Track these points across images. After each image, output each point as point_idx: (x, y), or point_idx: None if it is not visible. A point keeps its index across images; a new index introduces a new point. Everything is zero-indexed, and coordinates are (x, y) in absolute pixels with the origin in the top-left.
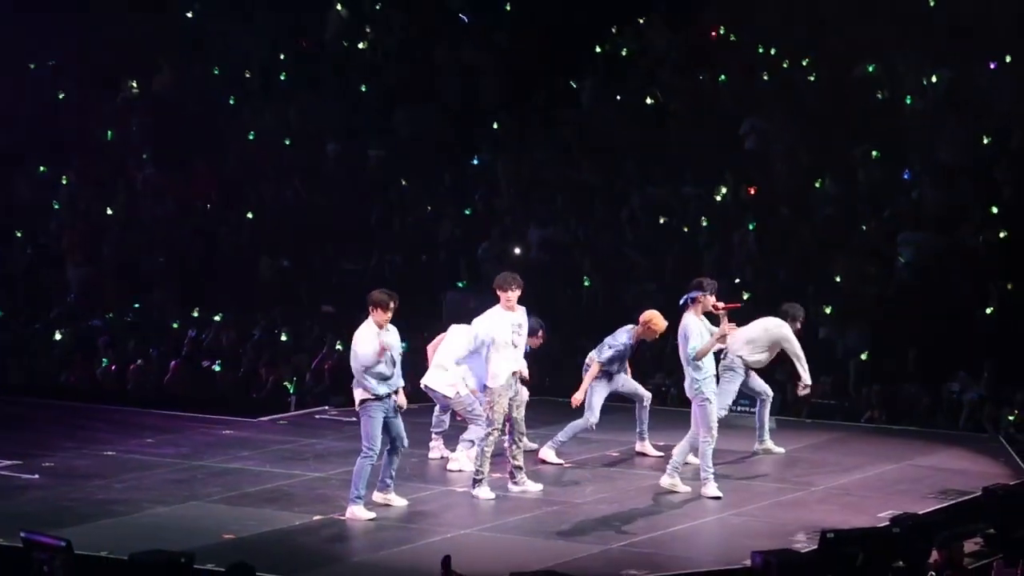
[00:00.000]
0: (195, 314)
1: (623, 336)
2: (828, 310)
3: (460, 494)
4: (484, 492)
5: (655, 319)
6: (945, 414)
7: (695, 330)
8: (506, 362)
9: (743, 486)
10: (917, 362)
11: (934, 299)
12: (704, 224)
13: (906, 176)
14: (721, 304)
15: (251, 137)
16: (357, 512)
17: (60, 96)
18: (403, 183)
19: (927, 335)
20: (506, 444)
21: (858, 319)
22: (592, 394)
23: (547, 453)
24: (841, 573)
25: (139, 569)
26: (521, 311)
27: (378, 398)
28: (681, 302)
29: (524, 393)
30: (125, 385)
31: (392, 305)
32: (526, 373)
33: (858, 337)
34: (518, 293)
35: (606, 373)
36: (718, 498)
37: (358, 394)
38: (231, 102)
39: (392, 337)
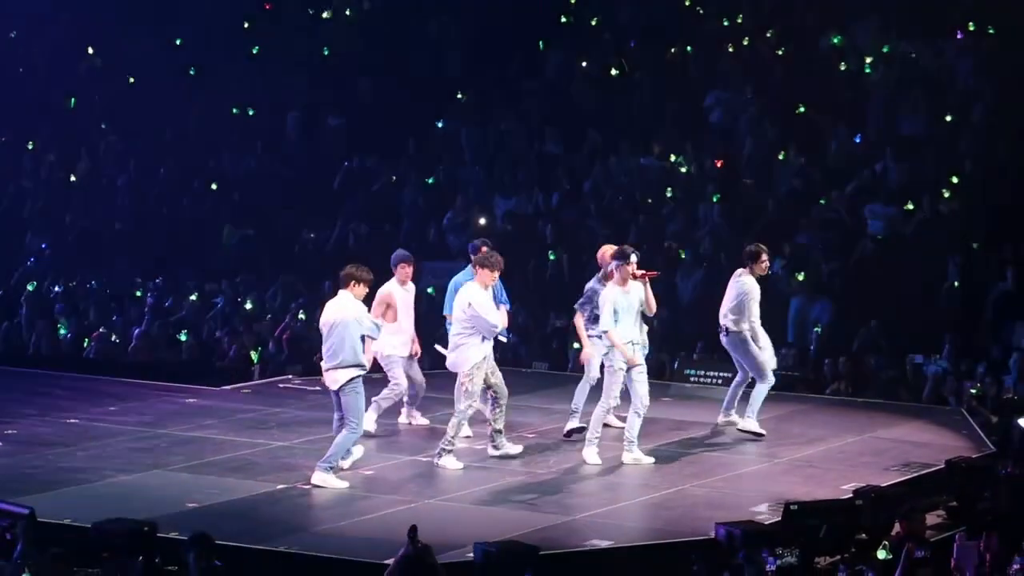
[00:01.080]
0: (157, 281)
1: (591, 283)
2: (792, 281)
3: (425, 463)
4: (451, 462)
5: (605, 252)
6: (908, 387)
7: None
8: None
9: (706, 457)
10: (881, 334)
11: (898, 271)
12: (668, 195)
13: (857, 140)
14: (640, 271)
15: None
16: (329, 480)
17: (24, 64)
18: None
19: (891, 307)
20: (488, 410)
21: (822, 291)
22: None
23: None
24: (804, 544)
25: (102, 537)
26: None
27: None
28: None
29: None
30: (85, 353)
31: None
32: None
33: (822, 308)
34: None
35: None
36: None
37: (345, 373)
38: (191, 72)
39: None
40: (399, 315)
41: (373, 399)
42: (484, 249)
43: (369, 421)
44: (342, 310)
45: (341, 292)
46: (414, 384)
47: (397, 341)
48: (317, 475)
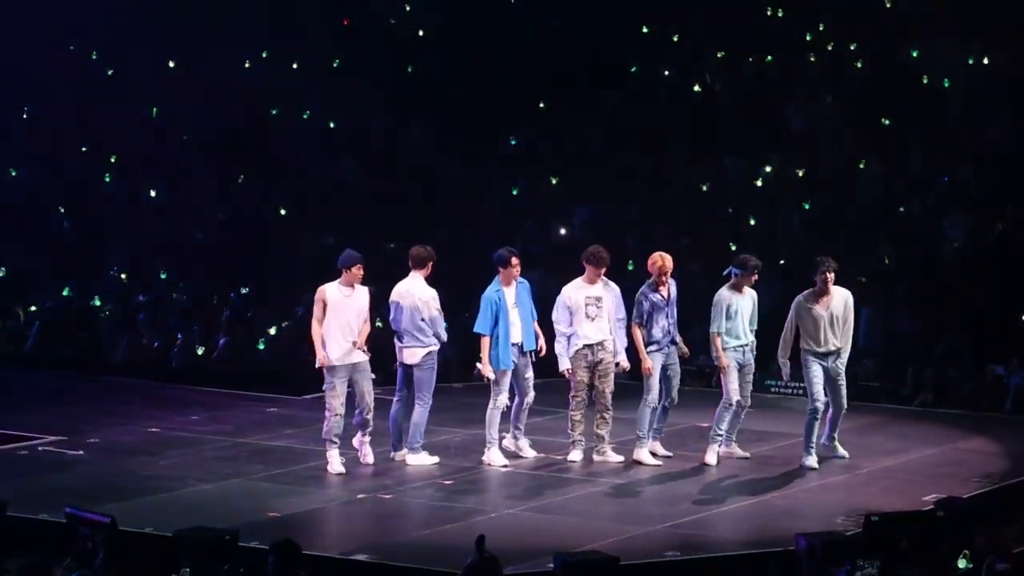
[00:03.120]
0: (244, 291)
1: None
2: (873, 291)
3: (505, 473)
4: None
5: (656, 259)
6: (990, 397)
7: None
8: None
9: (786, 468)
10: (962, 344)
11: (979, 281)
12: (749, 205)
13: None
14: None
15: (305, 117)
16: (422, 458)
17: (109, 73)
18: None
19: (972, 317)
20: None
21: (904, 301)
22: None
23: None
24: (885, 557)
25: (183, 546)
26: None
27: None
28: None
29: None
30: (170, 362)
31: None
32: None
33: (903, 319)
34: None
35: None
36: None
37: (421, 351)
38: (270, 83)
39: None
40: (332, 319)
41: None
42: (514, 260)
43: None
44: (422, 290)
45: (414, 273)
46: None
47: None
48: (409, 457)
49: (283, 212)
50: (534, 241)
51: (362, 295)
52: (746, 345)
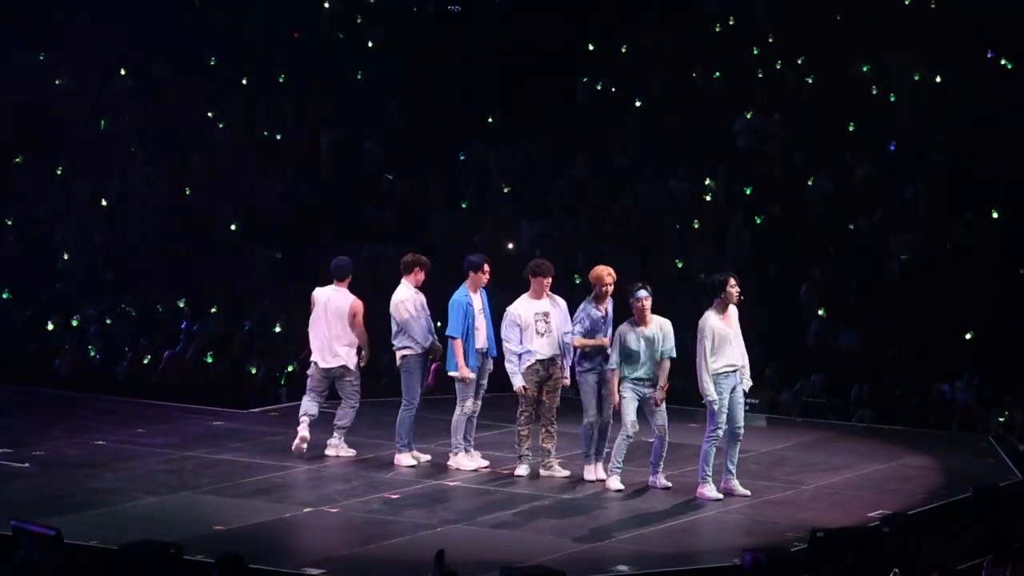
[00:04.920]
0: (181, 304)
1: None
2: (820, 310)
3: (451, 487)
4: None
5: (598, 272)
6: (935, 414)
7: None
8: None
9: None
10: (909, 362)
11: (925, 299)
12: (696, 221)
13: (891, 147)
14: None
15: (240, 125)
16: (403, 459)
17: (55, 83)
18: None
19: (917, 334)
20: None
21: (850, 318)
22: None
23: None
24: (831, 572)
25: (129, 559)
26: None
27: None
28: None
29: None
30: (116, 374)
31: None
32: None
33: (850, 336)
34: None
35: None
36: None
37: (398, 354)
38: (217, 92)
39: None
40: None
41: (335, 422)
42: (486, 267)
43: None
44: (396, 295)
45: (402, 279)
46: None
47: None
48: (396, 457)
49: (232, 228)
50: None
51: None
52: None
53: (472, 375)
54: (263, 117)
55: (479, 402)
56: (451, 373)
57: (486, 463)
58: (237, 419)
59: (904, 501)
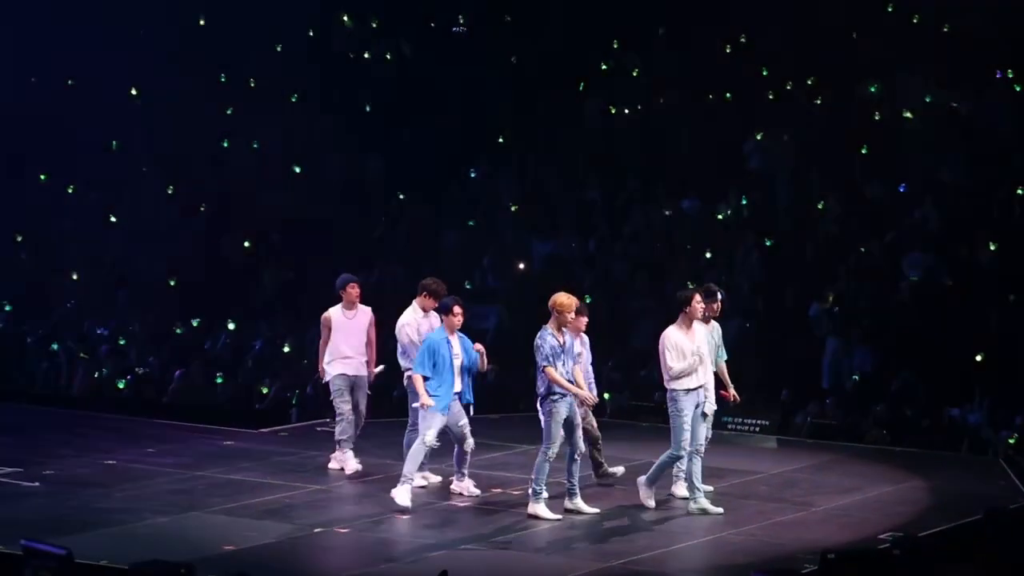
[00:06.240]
0: (192, 323)
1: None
2: (831, 332)
3: (461, 508)
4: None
5: (556, 299)
6: (946, 436)
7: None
8: None
9: (743, 505)
10: (918, 383)
11: (936, 320)
12: (706, 242)
13: (901, 189)
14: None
15: (255, 146)
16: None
17: (69, 100)
18: (401, 196)
19: (928, 357)
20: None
21: (861, 339)
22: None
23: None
24: None
25: None
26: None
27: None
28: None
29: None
30: (127, 394)
31: None
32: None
33: (861, 357)
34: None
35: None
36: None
37: (407, 371)
38: (228, 112)
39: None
40: (336, 337)
41: (337, 439)
42: (456, 309)
43: (349, 464)
44: (402, 318)
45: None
46: (355, 414)
47: (336, 363)
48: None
49: (246, 244)
50: (492, 276)
51: (364, 315)
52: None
53: (431, 401)
54: (276, 137)
55: (471, 439)
56: (414, 405)
57: (478, 492)
58: (247, 439)
59: (914, 523)
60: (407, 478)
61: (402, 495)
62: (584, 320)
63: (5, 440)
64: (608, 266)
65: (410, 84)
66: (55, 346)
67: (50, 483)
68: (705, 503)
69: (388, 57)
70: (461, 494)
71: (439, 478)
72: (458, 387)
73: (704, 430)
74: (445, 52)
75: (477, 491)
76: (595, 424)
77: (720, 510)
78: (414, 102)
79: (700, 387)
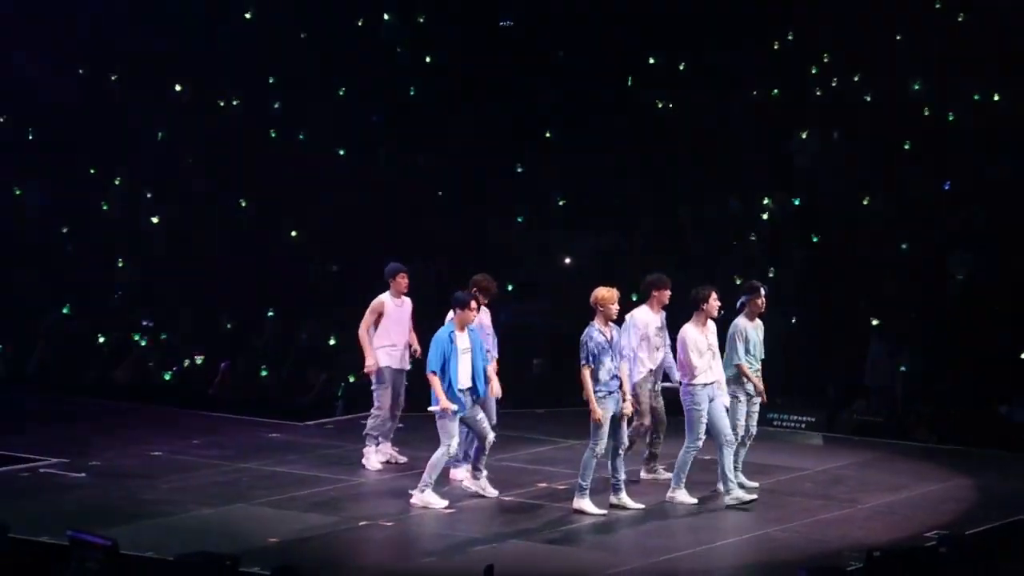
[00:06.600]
0: (237, 316)
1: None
2: (877, 329)
3: (506, 502)
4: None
5: (598, 294)
6: (993, 435)
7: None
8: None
9: (788, 502)
10: (967, 382)
11: (984, 318)
12: (752, 239)
13: (946, 187)
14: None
15: (301, 137)
16: (457, 473)
17: (113, 96)
18: (447, 190)
19: (976, 354)
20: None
21: (907, 337)
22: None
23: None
24: None
25: (184, 571)
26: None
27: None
28: (738, 305)
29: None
30: (173, 386)
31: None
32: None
33: (907, 355)
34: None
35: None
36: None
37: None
38: (276, 105)
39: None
40: (388, 327)
41: (366, 432)
42: (473, 304)
43: (371, 461)
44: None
45: None
46: (395, 408)
47: (384, 353)
48: (452, 472)
49: (294, 234)
50: (538, 269)
51: (408, 306)
52: (758, 372)
53: (453, 406)
54: (325, 128)
55: (491, 433)
56: (431, 408)
57: (495, 493)
58: (292, 431)
59: (961, 521)
60: (429, 484)
61: (432, 498)
62: (667, 293)
63: (51, 432)
64: (654, 263)
65: (458, 77)
66: (101, 338)
67: (96, 474)
68: (740, 493)
69: (436, 50)
70: (478, 493)
71: (496, 492)
72: (467, 383)
73: (729, 421)
74: (493, 46)
75: (495, 492)
76: (662, 407)
77: (754, 496)
78: (461, 95)
79: (714, 382)
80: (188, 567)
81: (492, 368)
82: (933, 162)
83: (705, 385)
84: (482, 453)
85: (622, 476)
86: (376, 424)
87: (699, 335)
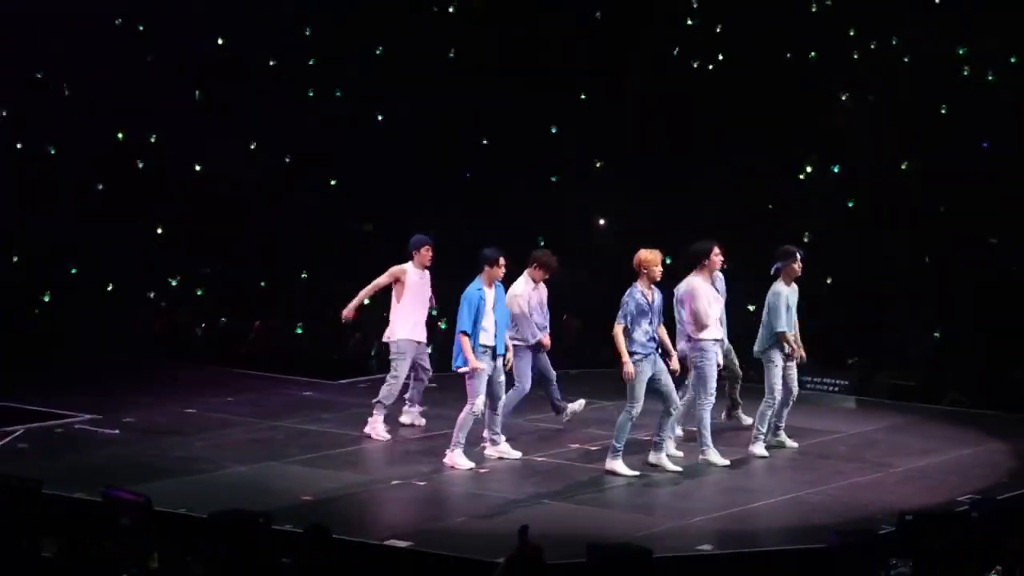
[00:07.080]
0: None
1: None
2: (912, 293)
3: (540, 463)
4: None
5: (641, 256)
6: None
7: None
8: None
9: (821, 464)
10: (999, 346)
11: (1019, 283)
12: (786, 202)
13: (984, 145)
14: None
15: (338, 94)
16: (458, 459)
17: (149, 53)
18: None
19: (1012, 319)
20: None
21: (943, 301)
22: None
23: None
24: (919, 556)
25: (217, 527)
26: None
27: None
28: (772, 271)
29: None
30: (204, 343)
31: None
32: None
33: (942, 319)
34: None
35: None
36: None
37: (513, 341)
38: (311, 62)
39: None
40: (410, 298)
41: (375, 400)
42: (501, 261)
43: (378, 429)
44: (512, 288)
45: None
46: (421, 373)
47: (407, 325)
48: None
49: (332, 182)
50: (576, 234)
51: (428, 277)
52: (796, 336)
53: (483, 365)
54: (357, 90)
55: (504, 395)
56: (460, 368)
57: (517, 454)
58: (326, 390)
59: (994, 486)
60: (459, 444)
61: (461, 460)
62: (718, 260)
63: (85, 388)
64: (688, 226)
65: (492, 39)
66: (138, 295)
67: (130, 431)
68: (713, 456)
69: (472, 12)
70: (501, 458)
71: (519, 453)
72: (490, 341)
73: (766, 383)
74: (526, 8)
75: (518, 453)
76: (737, 362)
77: (727, 462)
78: (495, 57)
79: (721, 339)
80: (221, 524)
81: (546, 338)
82: (970, 127)
83: (716, 340)
84: (495, 417)
85: (664, 435)
86: (389, 392)
87: (708, 288)
